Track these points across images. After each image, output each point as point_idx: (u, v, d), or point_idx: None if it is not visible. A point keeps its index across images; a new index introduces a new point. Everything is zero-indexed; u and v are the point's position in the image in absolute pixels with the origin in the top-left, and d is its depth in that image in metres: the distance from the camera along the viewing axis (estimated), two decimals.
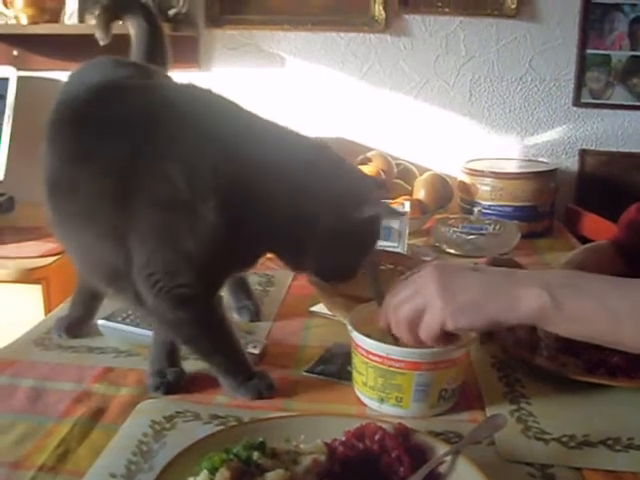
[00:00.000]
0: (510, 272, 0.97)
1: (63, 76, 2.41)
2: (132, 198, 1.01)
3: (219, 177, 0.99)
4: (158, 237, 1.01)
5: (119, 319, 1.28)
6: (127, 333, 1.26)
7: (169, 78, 1.24)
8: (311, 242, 1.02)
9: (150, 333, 1.19)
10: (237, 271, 1.21)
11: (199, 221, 0.99)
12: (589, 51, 2.59)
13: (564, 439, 0.99)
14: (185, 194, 0.99)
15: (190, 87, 1.11)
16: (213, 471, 0.77)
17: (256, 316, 1.40)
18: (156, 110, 1.06)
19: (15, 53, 2.60)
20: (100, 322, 1.30)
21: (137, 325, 1.26)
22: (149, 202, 1.00)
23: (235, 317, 1.40)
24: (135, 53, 1.30)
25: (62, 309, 1.43)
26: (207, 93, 1.10)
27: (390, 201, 2.06)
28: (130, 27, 1.32)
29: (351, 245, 1.05)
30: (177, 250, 1.01)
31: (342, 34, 2.58)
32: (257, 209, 1.01)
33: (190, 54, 2.56)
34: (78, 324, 1.33)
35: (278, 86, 2.62)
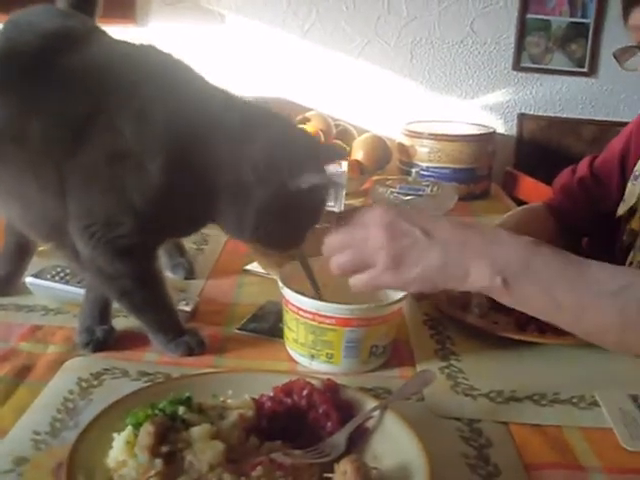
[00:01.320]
0: (466, 241, 0.91)
1: None
2: (80, 149, 0.99)
3: (169, 136, 0.98)
4: (103, 187, 1.00)
5: (48, 276, 1.25)
6: (56, 291, 1.23)
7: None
8: (251, 210, 0.99)
9: (80, 291, 1.17)
10: (178, 234, 1.18)
11: (145, 176, 0.98)
12: (530, 16, 2.61)
13: (492, 395, 1.01)
14: (134, 148, 0.98)
15: (148, 47, 1.09)
16: (137, 426, 0.76)
17: (190, 274, 1.39)
18: (112, 64, 1.04)
19: None
20: (28, 280, 1.26)
21: (66, 282, 1.23)
22: (97, 153, 0.99)
23: (169, 274, 1.38)
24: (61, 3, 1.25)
25: None
26: (166, 55, 1.08)
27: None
28: None
29: (294, 215, 1.02)
30: (120, 202, 1.00)
31: None
32: (200, 172, 0.99)
33: (126, 9, 2.49)
34: (5, 282, 1.29)
35: (217, 43, 2.57)
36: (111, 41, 1.11)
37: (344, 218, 0.97)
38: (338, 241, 0.95)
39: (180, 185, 0.99)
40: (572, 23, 2.62)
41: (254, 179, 0.97)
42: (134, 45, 1.10)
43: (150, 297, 1.09)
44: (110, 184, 0.99)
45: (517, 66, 2.64)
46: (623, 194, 1.47)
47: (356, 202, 1.99)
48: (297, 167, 0.96)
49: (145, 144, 0.98)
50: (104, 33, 1.16)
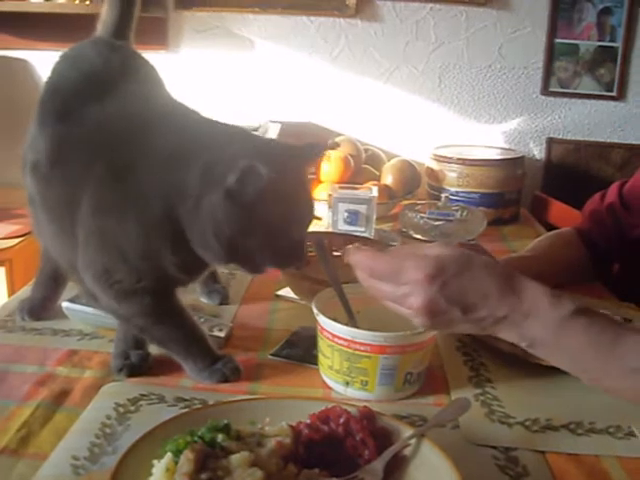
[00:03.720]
0: (505, 316, 0.89)
1: (28, 55, 2.37)
2: (82, 201, 1.03)
3: (143, 189, 1.00)
4: (95, 238, 1.03)
5: (83, 301, 1.26)
6: (91, 315, 1.24)
7: (153, 69, 1.23)
8: (206, 226, 0.97)
9: None
10: (182, 278, 1.10)
11: (126, 227, 1.00)
12: (558, 40, 2.61)
13: (527, 423, 1.00)
14: (116, 202, 1.01)
15: (149, 98, 1.14)
16: (177, 453, 0.76)
17: (225, 300, 1.40)
18: (115, 120, 1.07)
19: None
20: (64, 304, 1.28)
21: None
22: (91, 206, 1.02)
23: (204, 300, 1.40)
24: (102, 32, 1.28)
25: (25, 291, 1.41)
26: (163, 106, 1.12)
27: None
28: (106, 4, 1.30)
29: (268, 228, 0.98)
30: (110, 251, 1.03)
31: (312, 18, 2.57)
32: (167, 209, 0.99)
33: (159, 35, 2.53)
34: (41, 306, 1.31)
35: (247, 69, 2.60)
36: (124, 90, 1.13)
37: (389, 252, 0.96)
38: (379, 287, 0.93)
39: (154, 231, 1.00)
40: (600, 47, 2.62)
41: (199, 191, 0.97)
42: (138, 95, 1.13)
43: (171, 331, 1.10)
44: (102, 235, 1.03)
45: (545, 90, 2.64)
46: None
47: (386, 227, 2.00)
48: (230, 165, 0.93)
49: (125, 196, 1.01)
50: (137, 69, 1.19)
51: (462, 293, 0.89)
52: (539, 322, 0.88)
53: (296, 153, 1.04)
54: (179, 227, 0.99)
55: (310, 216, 1.05)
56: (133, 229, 1.00)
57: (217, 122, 1.06)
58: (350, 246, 0.97)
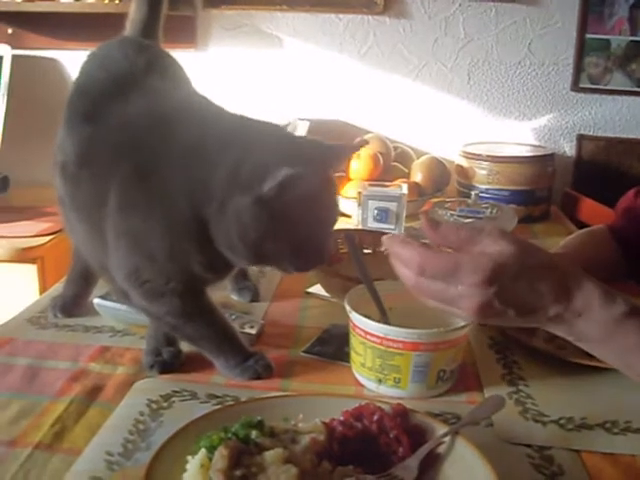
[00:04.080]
0: (556, 315, 0.87)
1: (58, 55, 2.40)
2: (109, 201, 1.03)
3: (171, 186, 0.99)
4: (125, 239, 1.03)
5: (115, 298, 1.27)
6: (123, 312, 1.25)
7: (180, 69, 1.24)
8: (232, 229, 0.96)
9: None
10: (211, 277, 1.10)
11: (155, 226, 1.00)
12: (588, 35, 2.57)
13: (562, 421, 0.99)
14: (141, 198, 1.01)
15: (176, 96, 1.13)
16: (211, 450, 0.77)
17: (256, 297, 1.40)
18: (140, 117, 1.07)
19: (10, 31, 2.57)
20: (96, 301, 1.29)
21: None
22: (119, 205, 1.02)
23: (235, 297, 1.41)
24: (130, 32, 1.29)
25: (57, 288, 1.42)
26: (190, 103, 1.11)
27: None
28: (134, 3, 1.30)
29: (295, 228, 0.97)
30: (138, 249, 1.03)
31: (341, 15, 2.56)
32: (194, 208, 0.98)
33: (187, 34, 2.53)
34: (73, 303, 1.33)
35: (276, 67, 2.60)
36: (150, 89, 1.13)
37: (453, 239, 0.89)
38: (427, 286, 0.87)
39: (180, 229, 1.00)
40: (632, 42, 2.58)
41: (227, 194, 0.95)
42: (165, 94, 1.13)
43: (202, 329, 1.10)
44: (129, 235, 1.02)
45: (576, 87, 2.61)
46: None
47: (415, 224, 1.99)
48: (265, 170, 0.92)
49: (151, 195, 1.00)
50: (165, 68, 1.19)
51: (518, 296, 0.86)
52: (590, 321, 0.87)
53: (326, 153, 1.03)
54: (205, 226, 0.99)
55: (336, 217, 1.05)
56: (159, 229, 1.00)
57: (245, 118, 1.05)
58: (390, 235, 0.92)
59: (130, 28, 1.29)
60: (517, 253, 0.85)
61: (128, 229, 1.02)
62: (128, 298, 1.10)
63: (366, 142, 1.08)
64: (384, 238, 0.91)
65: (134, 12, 1.29)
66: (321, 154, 1.01)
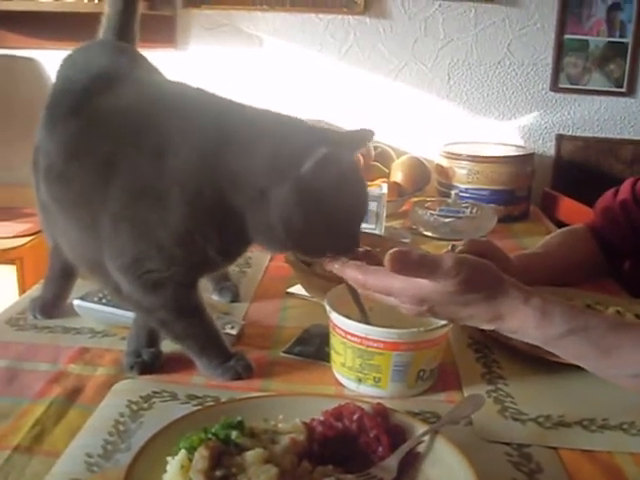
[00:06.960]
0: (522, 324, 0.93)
1: (38, 54, 2.37)
2: (109, 189, 1.02)
3: (186, 170, 0.99)
4: (129, 225, 1.02)
5: (95, 299, 1.27)
6: (103, 313, 1.24)
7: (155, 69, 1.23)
8: (277, 216, 0.96)
9: (126, 313, 1.18)
10: (214, 265, 1.11)
11: (167, 211, 0.99)
12: (567, 36, 2.60)
13: (540, 419, 1.00)
14: (154, 184, 1.00)
15: (178, 84, 1.12)
16: (191, 450, 0.76)
17: (236, 297, 1.40)
18: (136, 104, 1.07)
19: None
20: (75, 302, 1.28)
21: (113, 305, 1.24)
22: (121, 193, 1.01)
23: (215, 298, 1.40)
24: (105, 31, 1.28)
25: (36, 289, 1.41)
26: (195, 91, 1.09)
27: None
28: (107, 4, 1.29)
29: (328, 212, 0.97)
30: (145, 238, 1.02)
31: (321, 15, 2.57)
32: (220, 199, 0.99)
33: (167, 33, 2.53)
34: (53, 304, 1.31)
35: (256, 67, 2.60)
36: (143, 80, 1.13)
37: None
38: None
39: (202, 215, 1.00)
40: (610, 43, 2.61)
41: (267, 182, 0.96)
42: (164, 82, 1.13)
43: (190, 326, 1.09)
44: (135, 221, 1.01)
45: (555, 87, 2.64)
46: None
47: (396, 224, 2.00)
48: (302, 153, 0.94)
49: (164, 180, 0.99)
50: (147, 68, 1.19)
51: (451, 313, 0.94)
52: (527, 338, 0.95)
53: (351, 137, 1.05)
54: (231, 214, 0.99)
55: (367, 200, 1.05)
56: (176, 215, 0.99)
57: (258, 109, 1.06)
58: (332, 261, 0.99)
59: (105, 25, 1.27)
60: (452, 291, 0.91)
61: (133, 216, 1.01)
62: (120, 293, 1.08)
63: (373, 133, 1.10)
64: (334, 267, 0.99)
65: (108, 6, 1.28)
66: (346, 138, 1.04)
